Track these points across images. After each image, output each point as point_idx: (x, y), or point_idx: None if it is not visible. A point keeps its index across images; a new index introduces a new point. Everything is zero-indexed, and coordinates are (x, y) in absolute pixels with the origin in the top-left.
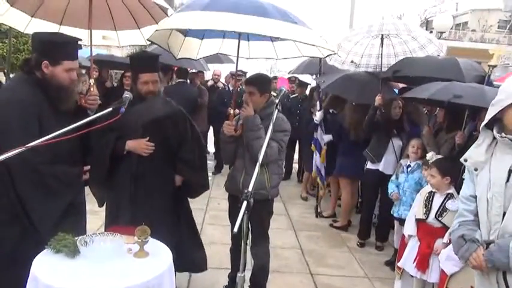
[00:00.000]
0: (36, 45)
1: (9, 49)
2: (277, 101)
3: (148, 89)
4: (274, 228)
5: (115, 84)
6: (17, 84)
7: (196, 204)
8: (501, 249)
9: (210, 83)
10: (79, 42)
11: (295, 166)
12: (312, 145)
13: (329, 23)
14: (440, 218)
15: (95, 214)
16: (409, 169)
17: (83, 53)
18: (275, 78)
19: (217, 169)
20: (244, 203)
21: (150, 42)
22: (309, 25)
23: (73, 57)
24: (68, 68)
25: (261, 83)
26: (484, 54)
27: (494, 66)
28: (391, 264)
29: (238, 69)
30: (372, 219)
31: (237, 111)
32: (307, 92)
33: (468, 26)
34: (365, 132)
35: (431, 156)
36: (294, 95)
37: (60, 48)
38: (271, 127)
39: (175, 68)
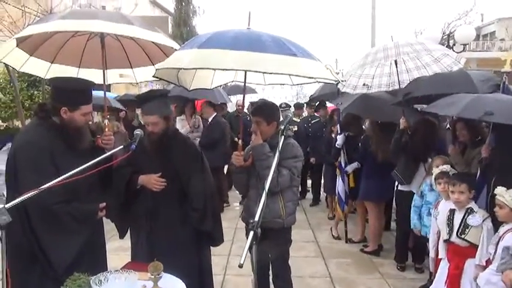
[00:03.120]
0: (54, 92)
1: (43, 96)
2: (282, 127)
3: (148, 130)
4: (303, 257)
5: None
6: (30, 129)
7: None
8: None
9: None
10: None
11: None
12: (338, 169)
13: (351, 41)
14: (463, 236)
15: (125, 251)
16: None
17: (109, 94)
18: (301, 105)
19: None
20: (251, 234)
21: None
22: (313, 55)
23: (89, 101)
24: (86, 112)
25: (267, 112)
26: None
27: (509, 72)
28: None
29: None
30: (408, 241)
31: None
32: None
33: (496, 35)
34: (392, 155)
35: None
36: (315, 120)
37: (78, 95)
38: (277, 155)
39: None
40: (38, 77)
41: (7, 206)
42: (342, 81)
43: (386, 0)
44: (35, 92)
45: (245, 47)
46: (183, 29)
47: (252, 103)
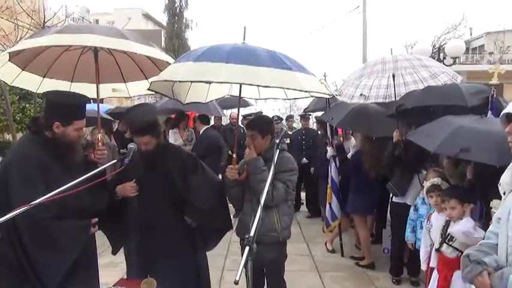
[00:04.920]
0: (48, 106)
1: (34, 109)
2: (277, 141)
3: (141, 148)
4: (297, 271)
5: None
6: (22, 143)
7: (216, 249)
8: (502, 277)
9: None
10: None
11: None
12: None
13: (342, 55)
14: (450, 243)
15: (116, 266)
16: None
17: (103, 108)
18: (291, 117)
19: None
20: (247, 249)
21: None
22: (308, 69)
23: (82, 116)
24: (78, 127)
25: (262, 125)
26: (504, 75)
27: (497, 85)
28: None
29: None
30: (404, 254)
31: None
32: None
33: (485, 49)
34: (386, 169)
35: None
36: (312, 130)
37: (72, 109)
38: (272, 168)
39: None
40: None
41: None
42: (337, 95)
43: (377, 15)
44: (27, 105)
45: (240, 61)
46: (175, 42)
47: (244, 116)
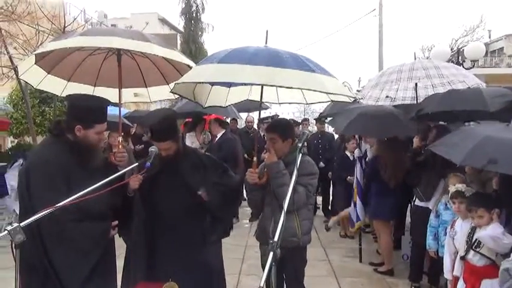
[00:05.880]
0: (70, 109)
1: (54, 113)
2: (300, 144)
3: (161, 154)
4: (314, 276)
5: None
6: (44, 146)
7: (233, 254)
8: None
9: None
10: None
11: None
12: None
13: (359, 58)
14: (478, 249)
15: None
16: None
17: (123, 111)
18: (306, 120)
19: (255, 216)
20: (271, 254)
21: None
22: (330, 72)
23: (104, 120)
24: (100, 130)
25: (283, 129)
26: None
27: None
28: None
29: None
30: (424, 260)
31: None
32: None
33: (504, 52)
34: (412, 177)
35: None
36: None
37: (93, 113)
38: (295, 172)
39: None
40: (49, 93)
41: (22, 224)
42: (360, 99)
43: (393, 18)
44: (47, 109)
45: (263, 62)
46: (191, 46)
47: (261, 120)
